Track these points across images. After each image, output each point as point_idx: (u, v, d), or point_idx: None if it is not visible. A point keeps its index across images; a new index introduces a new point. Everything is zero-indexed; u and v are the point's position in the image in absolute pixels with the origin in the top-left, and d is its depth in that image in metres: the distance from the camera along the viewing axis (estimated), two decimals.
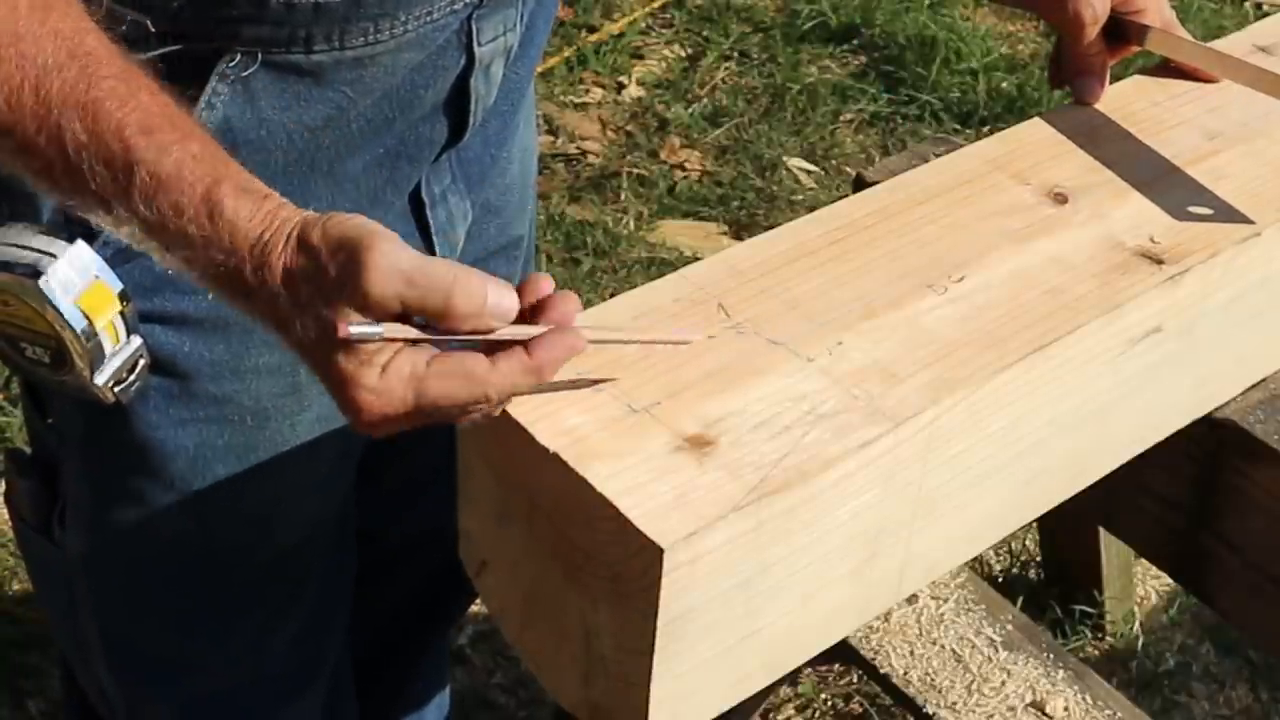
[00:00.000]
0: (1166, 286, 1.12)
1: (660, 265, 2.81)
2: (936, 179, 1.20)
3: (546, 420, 0.95)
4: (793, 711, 2.13)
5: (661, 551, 0.88)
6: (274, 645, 1.35)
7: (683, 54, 3.42)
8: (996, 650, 1.74)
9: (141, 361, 1.09)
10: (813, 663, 1.69)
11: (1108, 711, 1.69)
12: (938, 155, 1.33)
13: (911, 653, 1.74)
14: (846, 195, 1.24)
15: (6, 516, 2.18)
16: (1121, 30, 1.29)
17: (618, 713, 0.98)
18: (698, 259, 1.28)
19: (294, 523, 1.28)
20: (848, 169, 3.07)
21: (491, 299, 0.90)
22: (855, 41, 3.43)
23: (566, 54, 3.35)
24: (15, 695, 2.09)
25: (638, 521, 0.89)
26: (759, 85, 3.31)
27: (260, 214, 0.90)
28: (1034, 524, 2.17)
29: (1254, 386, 1.33)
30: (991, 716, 1.69)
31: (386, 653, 1.67)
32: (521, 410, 0.95)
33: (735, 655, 0.99)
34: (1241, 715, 2.16)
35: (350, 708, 1.51)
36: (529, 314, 0.92)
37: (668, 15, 3.52)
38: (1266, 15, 3.19)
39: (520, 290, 0.93)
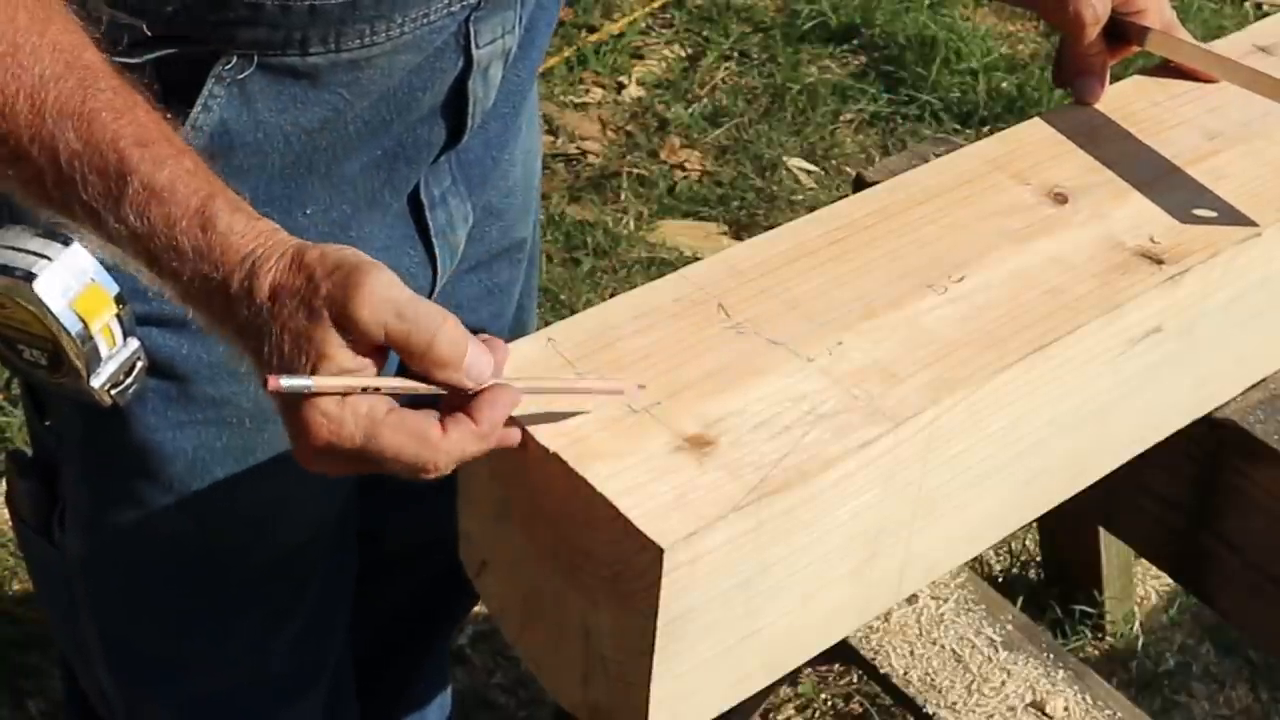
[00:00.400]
0: (1166, 286, 1.12)
1: (660, 265, 2.81)
2: (936, 179, 1.20)
3: (546, 420, 0.95)
4: (793, 711, 2.13)
5: (662, 551, 0.88)
6: (274, 646, 1.35)
7: (683, 54, 3.42)
8: (996, 650, 1.74)
9: (139, 364, 1.09)
10: (813, 663, 1.69)
11: (1108, 711, 1.69)
12: (938, 155, 1.33)
13: (911, 653, 1.74)
14: (846, 195, 1.24)
15: (7, 517, 2.18)
16: (1122, 31, 1.29)
17: (618, 713, 0.98)
18: (698, 259, 1.28)
19: (294, 524, 1.28)
20: (848, 169, 3.07)
21: (470, 356, 0.89)
22: (855, 41, 3.43)
23: (566, 54, 3.35)
24: (15, 695, 2.09)
25: (638, 521, 0.89)
26: (759, 85, 3.31)
27: (252, 231, 0.90)
28: (1034, 524, 2.17)
29: (1254, 386, 1.33)
30: (991, 716, 1.69)
31: (388, 653, 1.67)
32: (521, 410, 0.95)
33: (735, 655, 0.99)
34: (1241, 715, 2.16)
35: (351, 709, 1.51)
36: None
37: (668, 15, 3.52)
38: (1266, 15, 3.19)
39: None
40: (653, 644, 0.92)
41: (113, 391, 1.08)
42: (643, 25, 3.48)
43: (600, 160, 3.12)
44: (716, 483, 0.92)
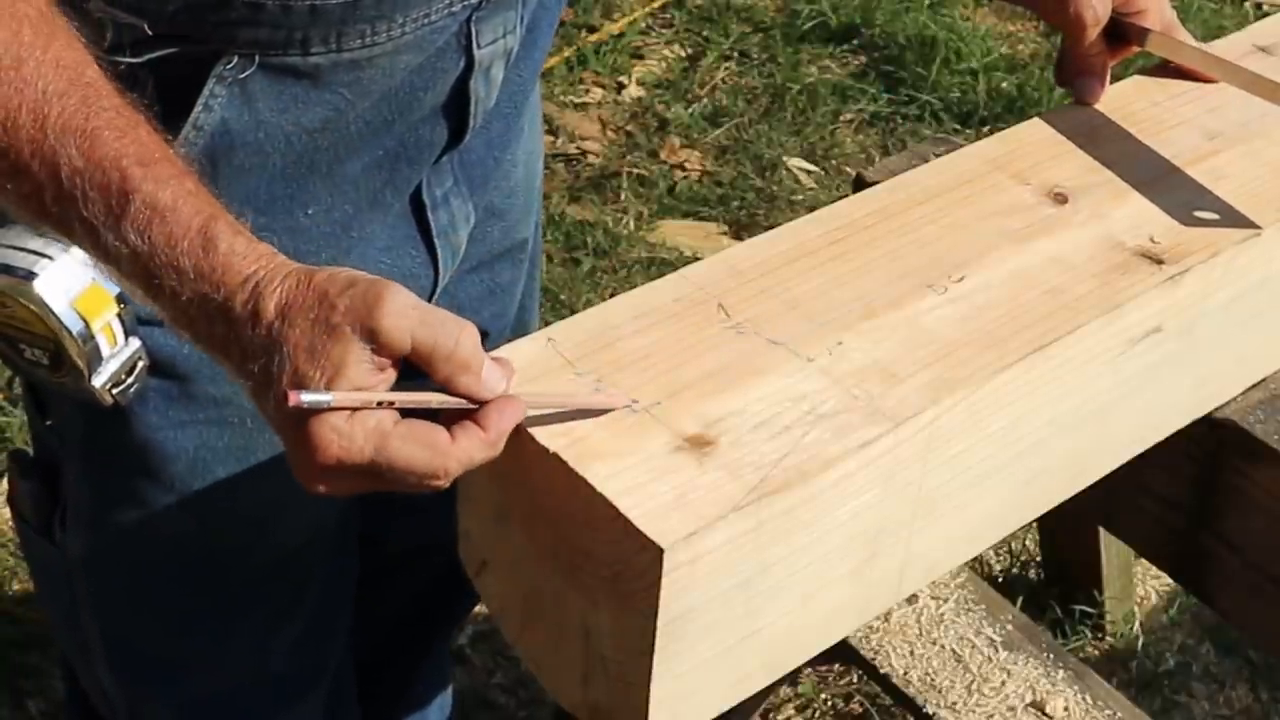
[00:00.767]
0: (1166, 286, 1.12)
1: (660, 265, 2.81)
2: (936, 179, 1.20)
3: (547, 421, 0.95)
4: (793, 711, 2.13)
5: (662, 551, 0.88)
6: (275, 647, 1.35)
7: (683, 54, 3.42)
8: (996, 650, 1.74)
9: (140, 363, 1.09)
10: (813, 663, 1.69)
11: (1108, 711, 1.69)
12: (938, 155, 1.33)
13: (911, 653, 1.74)
14: (846, 195, 1.24)
15: (8, 517, 2.18)
16: (1122, 32, 1.29)
17: (618, 713, 0.98)
18: (698, 259, 1.28)
19: (294, 525, 1.28)
20: (848, 169, 3.07)
21: (486, 367, 0.91)
22: (855, 41, 3.43)
23: (566, 54, 3.35)
24: (15, 695, 2.09)
25: (638, 521, 0.89)
26: (759, 85, 3.31)
27: (254, 253, 0.91)
28: (1034, 524, 2.17)
29: (1254, 386, 1.33)
30: (991, 716, 1.69)
31: (389, 655, 1.67)
32: None
33: (735, 655, 0.99)
34: (1241, 715, 2.16)
35: (352, 710, 1.51)
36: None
37: (668, 15, 3.52)
38: (1266, 15, 3.19)
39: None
40: (653, 644, 0.92)
41: (114, 391, 1.08)
42: (643, 25, 3.48)
43: (600, 160, 3.12)
44: (716, 483, 0.93)
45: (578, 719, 1.02)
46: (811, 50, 3.41)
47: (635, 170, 3.08)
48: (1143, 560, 2.17)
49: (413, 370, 0.91)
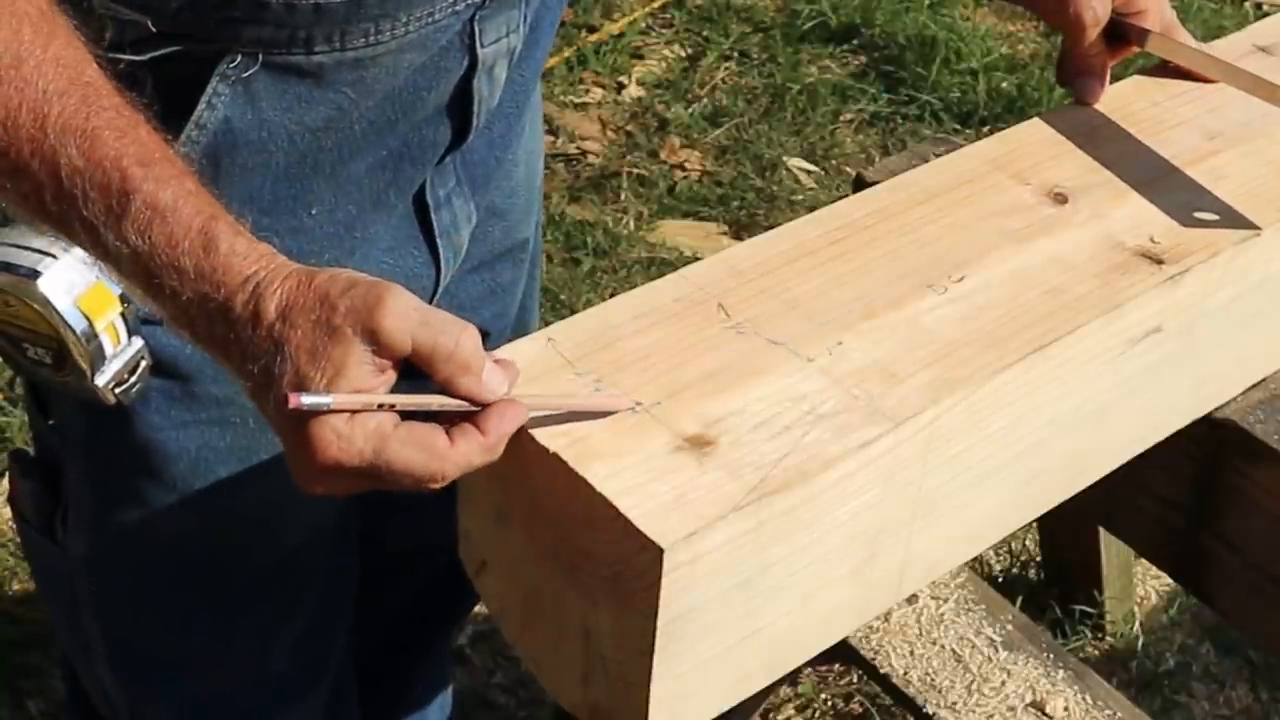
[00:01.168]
0: (1166, 286, 1.12)
1: (660, 265, 2.81)
2: (936, 179, 1.20)
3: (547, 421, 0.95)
4: (793, 711, 2.13)
5: (662, 551, 0.88)
6: (276, 647, 1.35)
7: (683, 54, 3.42)
8: (996, 650, 1.74)
9: (143, 363, 1.09)
10: (813, 663, 1.69)
11: (1108, 711, 1.69)
12: (938, 155, 1.33)
13: (911, 653, 1.74)
14: (846, 195, 1.24)
15: (8, 517, 2.18)
16: (1122, 32, 1.29)
17: (618, 713, 0.98)
18: (698, 259, 1.28)
19: (295, 525, 1.28)
20: (848, 169, 3.07)
21: (487, 369, 0.91)
22: (855, 41, 3.43)
23: (566, 54, 3.35)
24: (15, 695, 2.09)
25: (638, 521, 0.89)
26: (759, 85, 3.31)
27: (254, 254, 0.91)
28: (1034, 524, 2.17)
29: (1254, 386, 1.33)
30: (991, 716, 1.69)
31: (389, 655, 1.67)
32: None
33: (735, 655, 0.99)
34: (1241, 715, 2.16)
35: (353, 710, 1.51)
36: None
37: (668, 15, 3.52)
38: (1266, 15, 3.19)
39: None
40: (653, 644, 0.92)
41: (117, 390, 1.08)
42: (643, 25, 3.48)
43: (600, 160, 3.12)
44: (716, 483, 0.93)
45: (578, 719, 1.02)
46: (811, 50, 3.41)
47: (635, 170, 3.08)
48: (1143, 560, 2.17)
49: (413, 371, 0.91)
